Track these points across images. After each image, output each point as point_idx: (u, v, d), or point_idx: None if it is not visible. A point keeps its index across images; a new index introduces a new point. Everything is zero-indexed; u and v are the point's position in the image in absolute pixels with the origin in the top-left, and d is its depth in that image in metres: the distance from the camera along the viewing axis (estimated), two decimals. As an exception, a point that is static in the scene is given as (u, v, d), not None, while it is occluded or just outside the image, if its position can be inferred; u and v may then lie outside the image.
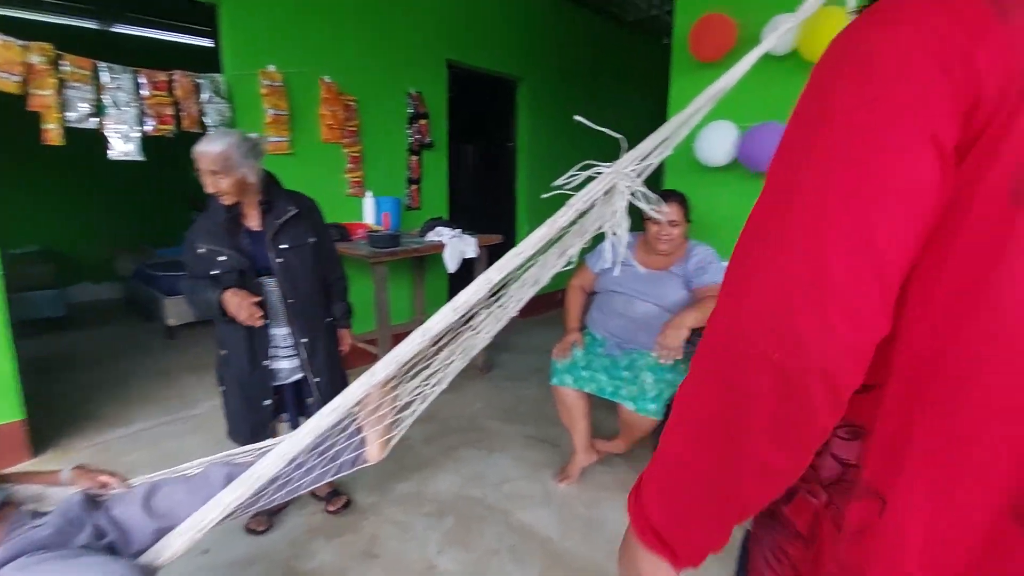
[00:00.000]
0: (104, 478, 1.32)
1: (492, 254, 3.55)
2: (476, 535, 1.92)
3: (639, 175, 1.18)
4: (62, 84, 2.29)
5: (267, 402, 1.81)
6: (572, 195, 1.24)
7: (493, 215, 4.57)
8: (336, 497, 2.05)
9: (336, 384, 1.86)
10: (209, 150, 1.55)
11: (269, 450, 1.40)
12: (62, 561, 1.06)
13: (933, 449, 0.44)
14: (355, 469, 1.36)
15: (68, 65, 2.30)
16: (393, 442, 1.36)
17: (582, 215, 1.21)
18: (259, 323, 1.65)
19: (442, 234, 3.15)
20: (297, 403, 1.92)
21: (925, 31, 0.39)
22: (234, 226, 1.69)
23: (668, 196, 2.05)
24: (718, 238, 2.42)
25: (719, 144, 2.30)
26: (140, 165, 2.82)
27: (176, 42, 5.07)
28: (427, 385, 1.32)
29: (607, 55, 5.30)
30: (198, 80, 2.65)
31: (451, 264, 3.01)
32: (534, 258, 1.23)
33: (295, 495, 1.33)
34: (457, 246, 3.02)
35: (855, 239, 0.40)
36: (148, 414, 2.86)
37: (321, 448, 1.28)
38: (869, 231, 0.40)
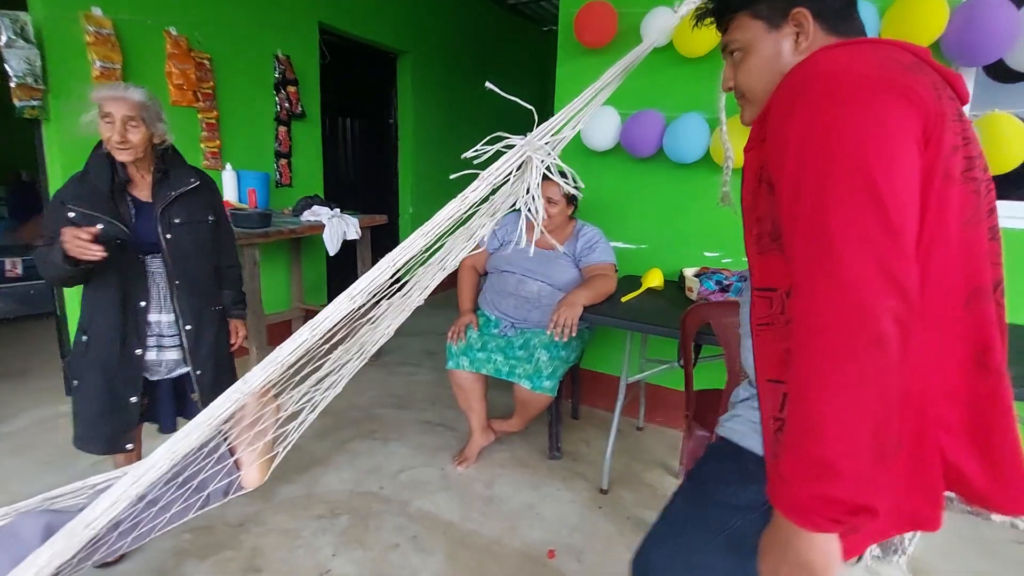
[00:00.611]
0: None
1: (375, 236, 3.38)
2: (373, 531, 1.82)
3: (553, 149, 1.17)
4: None
5: (134, 399, 1.54)
6: (474, 173, 1.19)
7: (373, 194, 4.34)
8: None
9: (222, 381, 1.65)
10: (129, 96, 1.40)
11: (106, 487, 1.16)
12: None
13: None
14: (228, 499, 1.16)
15: None
16: (276, 461, 1.19)
17: (494, 191, 1.16)
18: (97, 256, 1.31)
19: (319, 214, 2.91)
20: (176, 402, 1.68)
21: (897, 89, 0.61)
22: (119, 192, 1.48)
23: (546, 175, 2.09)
24: (604, 218, 2.53)
25: (604, 129, 2.39)
26: None
27: None
28: (317, 390, 1.18)
29: (489, 37, 5.26)
30: (-8, 17, 2.11)
31: (332, 246, 2.80)
32: (442, 238, 1.16)
33: (147, 539, 1.10)
34: (338, 227, 2.81)
35: (898, 200, 0.57)
36: (-63, 436, 2.29)
37: (181, 478, 1.06)
38: (906, 195, 0.58)
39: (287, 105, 3.32)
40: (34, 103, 2.27)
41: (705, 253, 2.44)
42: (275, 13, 3.22)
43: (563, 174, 1.14)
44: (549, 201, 2.07)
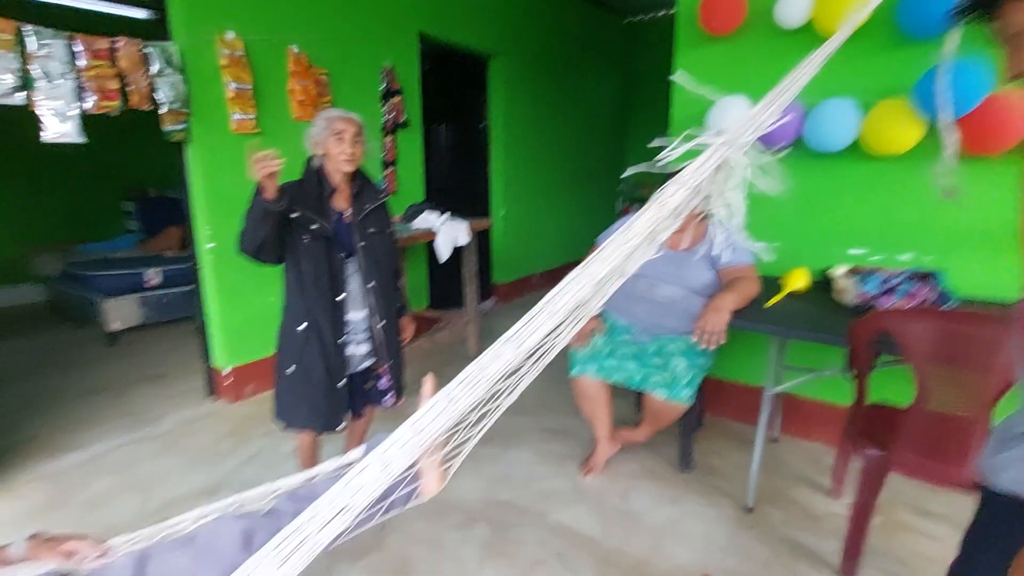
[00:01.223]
0: (71, 545, 1.00)
1: (480, 240, 3.39)
2: (516, 543, 1.79)
3: (753, 147, 1.06)
4: (-22, 50, 1.88)
5: (340, 384, 1.73)
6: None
7: (467, 198, 4.36)
8: None
9: (399, 370, 1.88)
10: (355, 117, 1.67)
11: (300, 493, 1.17)
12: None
13: None
14: (407, 507, 1.16)
15: (-16, 26, 1.89)
16: (453, 470, 1.17)
17: (696, 193, 1.07)
18: (275, 166, 1.45)
19: (430, 220, 2.94)
20: (361, 393, 1.87)
21: None
22: (326, 203, 1.68)
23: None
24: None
25: (734, 118, 2.24)
26: (61, 149, 2.38)
27: (107, 13, 4.44)
28: (495, 400, 1.15)
29: (573, 32, 5.17)
30: (146, 49, 2.28)
31: (444, 252, 2.82)
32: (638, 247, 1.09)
33: (333, 545, 1.10)
34: (450, 233, 2.83)
35: None
36: (103, 434, 2.50)
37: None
38: None
39: (392, 115, 3.40)
40: (180, 127, 2.43)
41: (849, 251, 2.23)
42: (380, 25, 3.30)
43: (768, 173, 1.03)
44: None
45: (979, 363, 1.33)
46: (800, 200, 2.30)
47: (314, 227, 1.62)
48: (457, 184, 4.35)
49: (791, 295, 2.02)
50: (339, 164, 1.65)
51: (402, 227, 2.94)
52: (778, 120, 1.05)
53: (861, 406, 1.67)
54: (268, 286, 2.86)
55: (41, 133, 2.05)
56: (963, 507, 1.90)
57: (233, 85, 2.57)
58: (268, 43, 2.71)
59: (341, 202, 1.72)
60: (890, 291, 1.79)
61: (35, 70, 2.01)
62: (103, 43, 2.16)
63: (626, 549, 1.77)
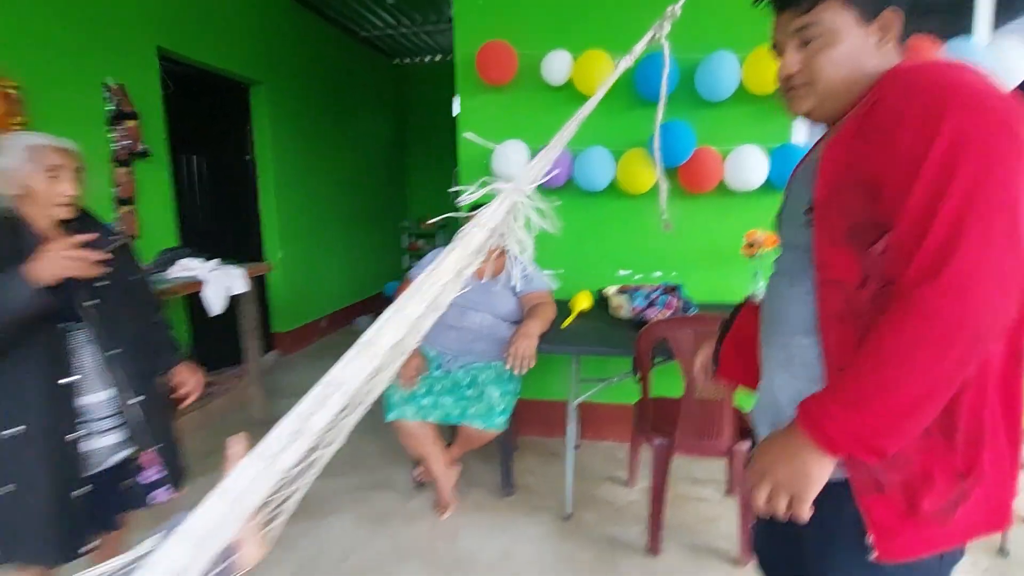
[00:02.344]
0: None
1: (258, 286, 2.97)
2: (345, 628, 1.57)
3: (533, 192, 1.17)
4: None
5: (75, 493, 1.28)
6: (451, 217, 1.12)
7: (234, 240, 3.81)
8: None
9: (173, 453, 1.47)
10: (72, 146, 1.31)
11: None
12: None
13: None
14: None
15: None
16: (276, 532, 0.98)
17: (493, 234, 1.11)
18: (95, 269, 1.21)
19: (192, 268, 2.47)
20: (116, 497, 1.42)
21: None
22: (27, 258, 1.16)
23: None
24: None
25: (512, 162, 2.44)
26: None
27: None
28: (320, 446, 0.99)
29: (341, 67, 5.06)
30: None
31: (216, 304, 2.39)
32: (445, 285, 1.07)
33: None
34: (222, 281, 2.41)
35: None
36: None
37: None
38: None
39: (126, 142, 2.78)
40: None
41: (619, 272, 2.63)
42: (104, 34, 2.70)
43: (545, 217, 1.16)
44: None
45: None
46: (577, 231, 2.63)
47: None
48: (221, 225, 3.77)
49: (580, 315, 2.28)
50: (51, 209, 1.27)
51: (155, 278, 2.40)
52: (552, 170, 1.19)
53: (647, 402, 1.95)
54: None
55: None
56: (719, 469, 2.37)
57: None
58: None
59: None
60: (652, 304, 2.16)
61: None
62: None
63: (466, 595, 1.70)
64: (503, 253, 2.21)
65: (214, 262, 2.51)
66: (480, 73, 2.48)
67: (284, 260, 4.16)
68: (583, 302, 2.34)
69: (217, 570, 0.92)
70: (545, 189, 2.54)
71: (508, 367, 1.90)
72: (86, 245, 1.21)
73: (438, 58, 6.10)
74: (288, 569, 1.80)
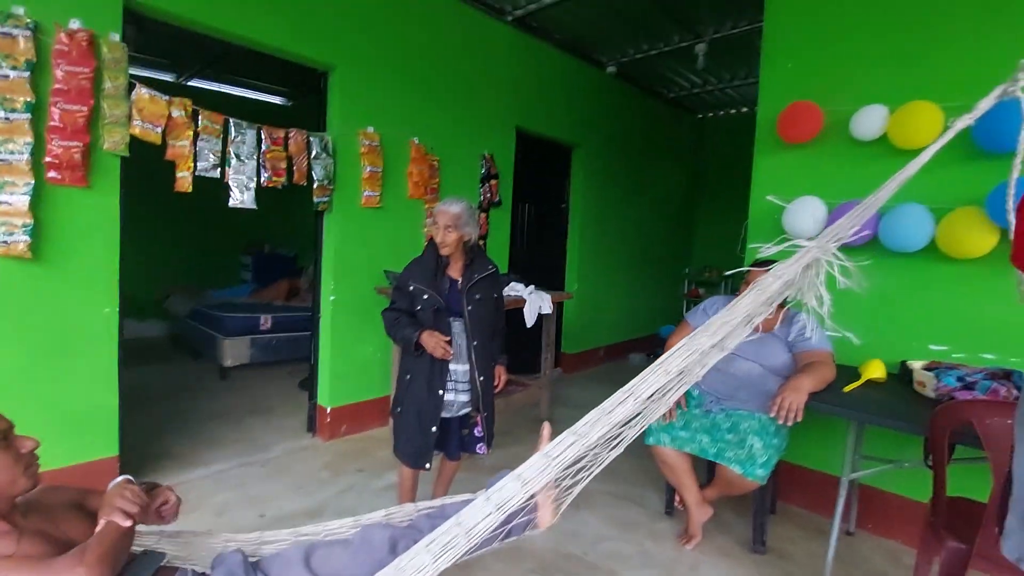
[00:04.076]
0: (159, 503, 1.22)
1: (557, 311, 3.66)
2: (589, 596, 1.90)
3: (837, 250, 1.29)
4: (196, 137, 2.46)
5: (434, 429, 1.98)
6: (738, 271, 1.33)
7: (544, 272, 4.70)
8: None
9: (491, 422, 2.15)
10: (449, 209, 1.97)
11: (428, 510, 1.41)
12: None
13: None
14: (524, 535, 1.35)
15: (204, 120, 2.48)
16: (564, 506, 1.37)
17: (788, 285, 1.30)
18: (448, 356, 1.94)
19: (518, 289, 3.25)
20: (459, 437, 2.13)
21: None
22: (441, 273, 2.03)
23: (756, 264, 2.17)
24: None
25: (807, 217, 2.44)
26: (198, 208, 2.81)
27: (267, 102, 5.59)
28: (605, 448, 1.34)
29: (647, 126, 5.64)
30: (311, 137, 2.84)
31: (531, 318, 3.10)
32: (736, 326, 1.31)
33: (454, 561, 1.30)
34: (536, 302, 3.12)
35: None
36: (223, 456, 2.85)
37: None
38: None
39: (488, 195, 3.85)
40: (325, 199, 2.95)
41: (931, 347, 2.30)
42: (484, 121, 3.84)
43: (847, 274, 1.25)
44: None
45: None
46: (878, 295, 2.42)
47: (426, 297, 1.97)
48: (536, 258, 4.71)
49: (869, 383, 2.11)
50: (441, 248, 2.01)
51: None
52: (859, 231, 1.28)
53: (941, 497, 1.71)
54: (371, 338, 3.24)
55: (229, 200, 2.58)
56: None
57: (368, 168, 3.09)
58: (397, 136, 3.25)
59: (455, 272, 2.06)
60: (968, 387, 1.86)
61: (231, 152, 2.57)
62: (280, 132, 2.73)
63: (698, 617, 1.82)
64: (781, 306, 2.24)
65: (532, 287, 3.25)
66: (780, 132, 2.57)
67: (578, 292, 4.88)
68: (875, 371, 2.15)
69: (525, 519, 1.40)
70: (844, 248, 2.43)
71: (771, 415, 1.93)
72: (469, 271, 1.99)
73: (743, 110, 6.12)
74: (551, 537, 2.24)
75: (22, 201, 2.01)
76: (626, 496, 2.64)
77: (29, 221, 2.03)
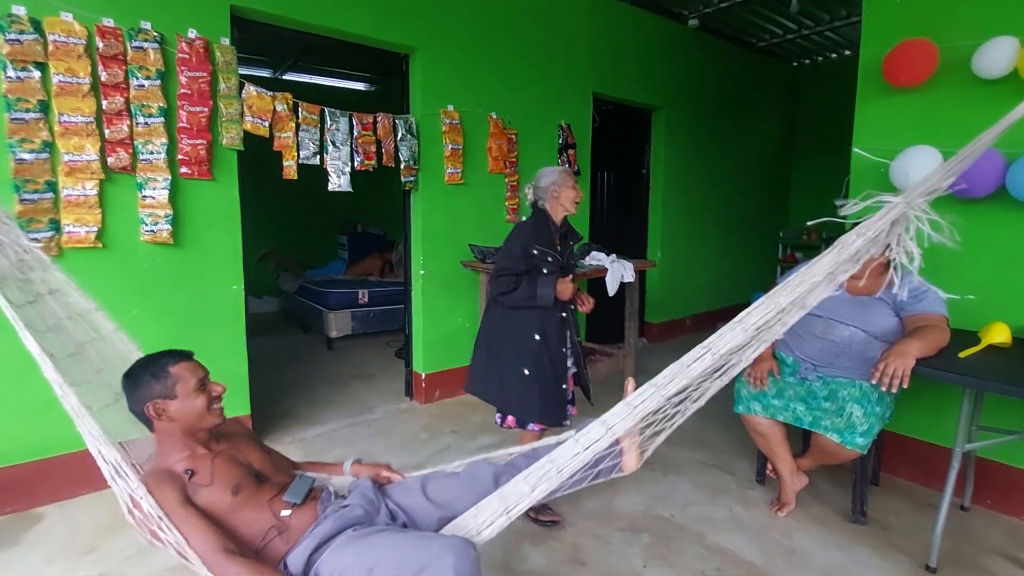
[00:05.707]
0: (385, 473, 1.50)
1: (640, 280, 3.63)
2: (676, 553, 1.95)
3: (928, 205, 1.21)
4: (298, 128, 2.69)
5: (565, 385, 2.14)
6: (828, 221, 1.27)
7: (626, 240, 4.64)
8: (546, 510, 2.14)
9: (588, 381, 2.33)
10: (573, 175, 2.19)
11: (529, 454, 1.54)
12: (392, 535, 1.23)
13: None
14: (610, 477, 1.44)
15: (303, 111, 2.70)
16: (648, 453, 1.44)
17: (871, 241, 1.25)
18: (589, 302, 2.20)
19: (599, 258, 3.26)
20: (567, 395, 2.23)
21: None
22: (556, 238, 2.15)
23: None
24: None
25: (918, 170, 2.23)
26: (297, 194, 3.04)
27: (352, 89, 5.92)
28: (688, 398, 1.38)
29: (737, 80, 5.28)
30: (396, 120, 3.00)
31: (612, 287, 3.11)
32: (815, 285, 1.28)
33: (550, 498, 1.43)
34: (618, 271, 3.12)
35: None
36: (333, 416, 3.18)
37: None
38: None
39: (566, 166, 3.85)
40: (412, 179, 3.11)
41: (1071, 308, 2.05)
42: (560, 89, 3.81)
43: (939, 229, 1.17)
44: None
45: None
46: (1003, 252, 2.18)
47: (550, 259, 2.08)
48: (617, 227, 4.66)
49: (990, 349, 1.93)
50: (569, 208, 2.13)
51: (578, 264, 3.31)
52: (955, 185, 1.19)
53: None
54: (459, 309, 3.42)
55: (328, 185, 2.81)
56: None
57: (450, 146, 3.21)
58: (475, 113, 3.33)
59: (558, 237, 2.16)
60: (1117, 352, 1.65)
61: (328, 139, 2.79)
62: (369, 118, 2.91)
63: (790, 581, 1.82)
64: (886, 268, 2.09)
65: (613, 256, 3.25)
66: (887, 76, 2.34)
67: (662, 260, 4.77)
68: (999, 334, 1.96)
69: (612, 463, 1.51)
70: (963, 200, 2.20)
71: (874, 382, 1.83)
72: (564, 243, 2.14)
73: (845, 54, 5.54)
74: (640, 500, 2.31)
75: (163, 195, 2.34)
76: (716, 464, 2.63)
77: (170, 211, 2.35)
